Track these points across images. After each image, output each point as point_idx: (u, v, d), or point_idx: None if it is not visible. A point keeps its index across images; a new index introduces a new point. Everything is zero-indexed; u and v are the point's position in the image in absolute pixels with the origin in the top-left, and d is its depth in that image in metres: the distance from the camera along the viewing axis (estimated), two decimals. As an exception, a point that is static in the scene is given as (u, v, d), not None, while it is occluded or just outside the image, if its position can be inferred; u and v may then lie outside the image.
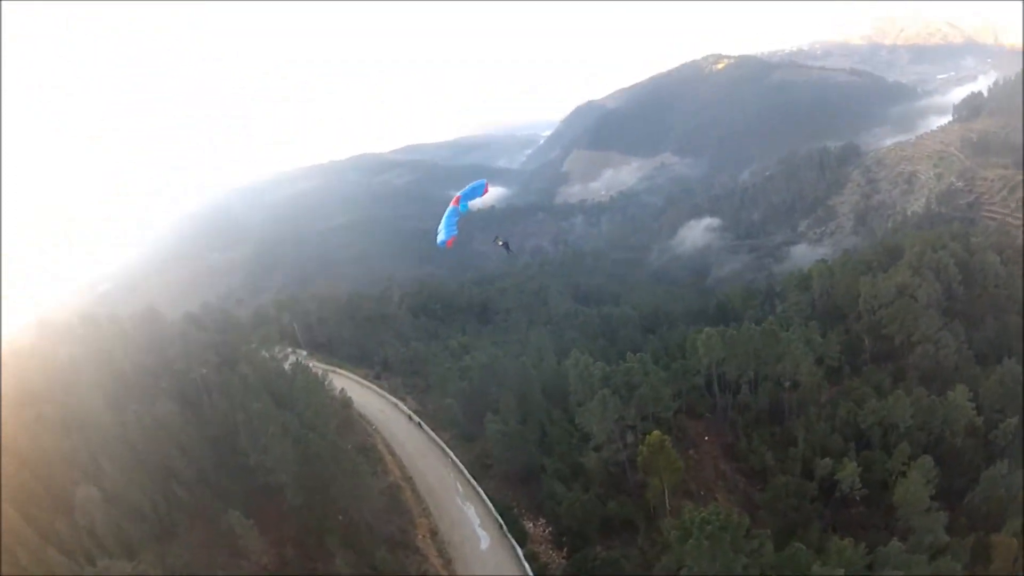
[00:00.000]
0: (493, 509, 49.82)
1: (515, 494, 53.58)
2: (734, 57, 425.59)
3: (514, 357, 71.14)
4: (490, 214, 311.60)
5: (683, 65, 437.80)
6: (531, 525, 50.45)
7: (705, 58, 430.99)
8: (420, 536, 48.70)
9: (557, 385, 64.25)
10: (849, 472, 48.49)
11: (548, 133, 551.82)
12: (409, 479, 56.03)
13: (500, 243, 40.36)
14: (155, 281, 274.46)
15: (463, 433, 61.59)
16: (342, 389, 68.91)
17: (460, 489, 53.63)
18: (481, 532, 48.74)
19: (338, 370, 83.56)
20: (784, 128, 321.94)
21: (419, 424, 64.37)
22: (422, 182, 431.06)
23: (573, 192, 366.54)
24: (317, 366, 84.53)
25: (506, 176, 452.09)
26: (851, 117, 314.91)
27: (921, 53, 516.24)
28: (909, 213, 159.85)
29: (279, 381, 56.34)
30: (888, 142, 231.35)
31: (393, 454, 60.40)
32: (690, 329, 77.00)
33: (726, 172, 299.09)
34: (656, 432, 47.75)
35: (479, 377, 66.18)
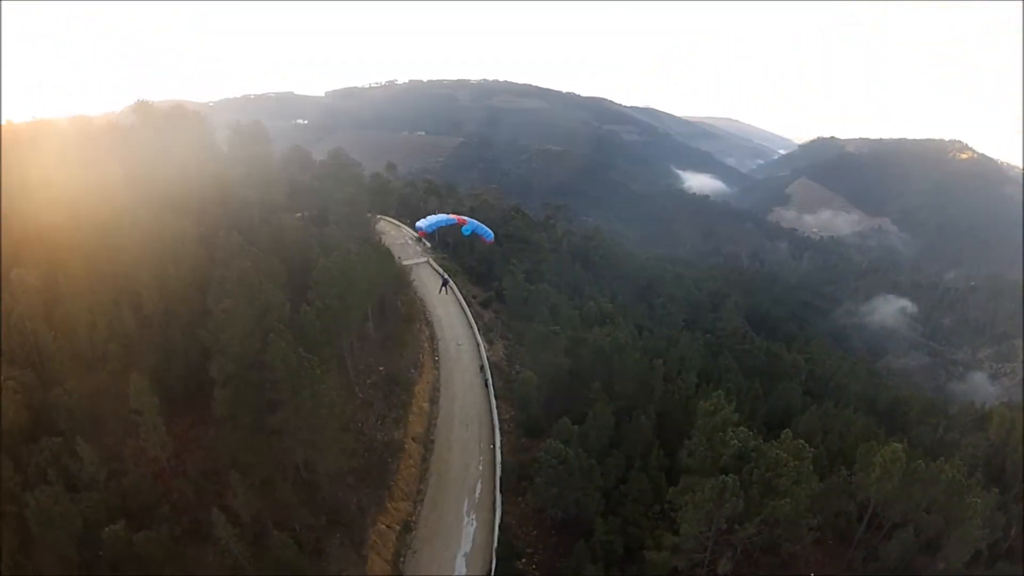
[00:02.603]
0: (495, 548, 31.96)
1: (539, 541, 34.50)
2: (977, 153, 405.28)
3: (646, 355, 50.46)
4: (702, 204, 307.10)
5: (928, 140, 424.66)
6: (530, 595, 31.93)
7: (951, 142, 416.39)
8: (383, 526, 32.08)
9: (682, 419, 42.97)
10: None
11: (783, 152, 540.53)
12: (428, 445, 39.42)
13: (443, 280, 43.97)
14: (352, 135, 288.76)
15: (528, 421, 43.06)
16: (420, 298, 53.80)
17: (477, 494, 35.94)
18: (461, 565, 31.49)
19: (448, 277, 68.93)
20: (1003, 242, 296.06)
21: (486, 382, 47.04)
22: (649, 147, 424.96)
23: (787, 217, 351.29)
24: (431, 264, 72.00)
25: (731, 175, 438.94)
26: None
27: None
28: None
29: (313, 251, 41.21)
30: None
31: (434, 403, 44.01)
32: (856, 414, 59.75)
33: (935, 263, 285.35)
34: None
35: (588, 362, 46.66)
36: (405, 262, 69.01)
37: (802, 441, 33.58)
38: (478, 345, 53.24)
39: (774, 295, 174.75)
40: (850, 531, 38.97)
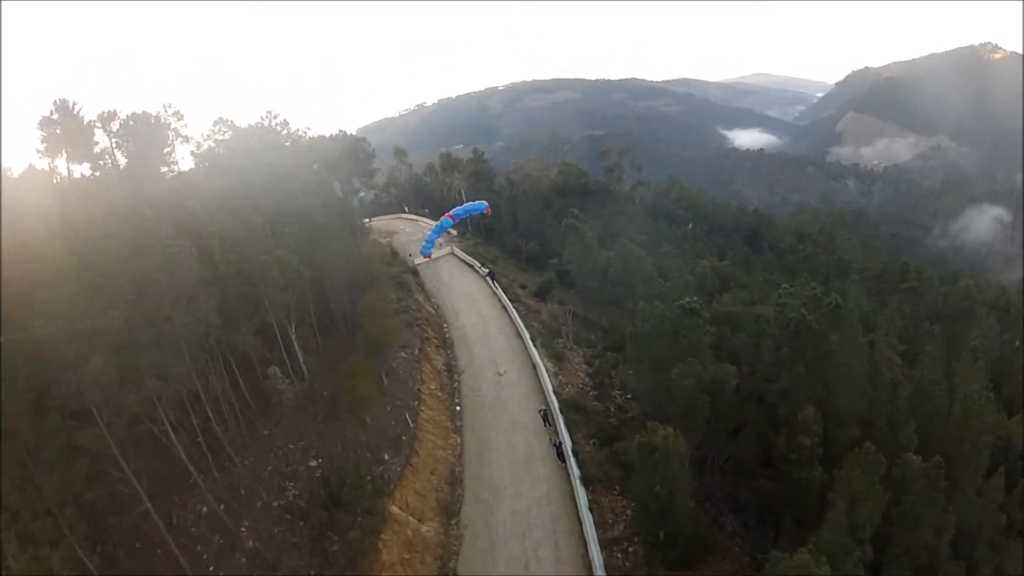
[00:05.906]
0: None
1: None
2: (1008, 52, 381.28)
3: (827, 318, 24.18)
4: (759, 158, 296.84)
5: (959, 48, 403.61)
6: None
7: (982, 45, 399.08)
8: None
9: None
10: None
11: (821, 95, 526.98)
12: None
13: (487, 270, 41.24)
14: (390, 163, 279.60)
15: (667, 537, 17.54)
16: (436, 305, 30.09)
17: None
18: None
19: (476, 266, 45.57)
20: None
21: (558, 450, 22.37)
22: (691, 115, 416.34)
23: (844, 154, 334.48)
24: (456, 254, 49.09)
25: (777, 126, 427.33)
26: None
27: None
28: None
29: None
30: None
31: (451, 519, 19.69)
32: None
33: (1001, 170, 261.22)
34: None
35: (773, 362, 21.24)
36: (418, 261, 46.47)
37: None
38: (535, 368, 28.70)
39: (862, 234, 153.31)
40: None
